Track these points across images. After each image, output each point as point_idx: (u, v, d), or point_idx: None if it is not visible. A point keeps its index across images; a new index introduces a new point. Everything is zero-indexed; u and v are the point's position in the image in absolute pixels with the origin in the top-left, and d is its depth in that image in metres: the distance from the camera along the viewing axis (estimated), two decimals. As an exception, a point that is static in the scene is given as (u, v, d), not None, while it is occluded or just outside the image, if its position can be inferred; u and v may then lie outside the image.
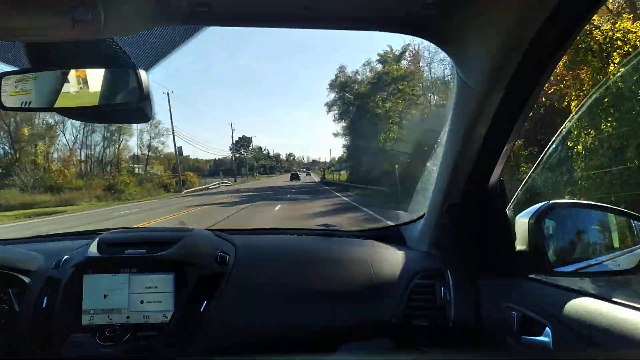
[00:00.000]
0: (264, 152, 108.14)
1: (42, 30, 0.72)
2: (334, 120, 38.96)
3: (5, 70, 0.89)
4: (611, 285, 1.11)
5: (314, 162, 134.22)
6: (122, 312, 1.22)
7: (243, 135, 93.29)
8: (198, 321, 1.20)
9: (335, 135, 42.97)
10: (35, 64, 0.87)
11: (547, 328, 0.95)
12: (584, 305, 0.91)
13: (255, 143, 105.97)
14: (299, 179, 59.48)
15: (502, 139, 1.03)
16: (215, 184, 44.51)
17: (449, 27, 0.88)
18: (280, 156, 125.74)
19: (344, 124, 38.52)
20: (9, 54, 0.93)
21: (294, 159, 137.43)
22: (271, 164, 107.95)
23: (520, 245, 1.12)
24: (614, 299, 0.89)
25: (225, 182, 50.04)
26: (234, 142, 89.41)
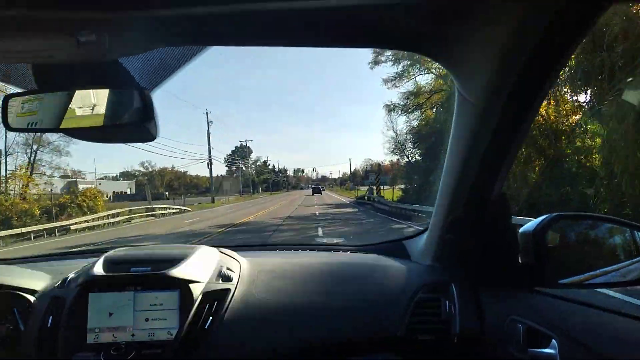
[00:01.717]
0: (269, 166, 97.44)
1: (48, 52, 0.74)
2: (387, 82, 20.84)
3: (12, 91, 0.91)
4: (617, 296, 1.10)
5: (324, 178, 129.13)
6: (127, 330, 1.22)
7: (240, 144, 79.89)
8: (203, 338, 1.20)
9: (390, 109, 22.08)
10: (41, 85, 0.88)
11: (553, 340, 0.94)
12: (590, 317, 0.90)
13: (257, 155, 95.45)
14: (321, 193, 53.86)
15: (503, 152, 1.04)
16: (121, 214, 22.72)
17: (447, 43, 0.89)
18: (288, 172, 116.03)
19: (411, 87, 20.52)
20: (15, 76, 0.94)
21: (302, 173, 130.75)
22: (275, 178, 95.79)
23: (524, 258, 1.12)
24: (620, 311, 0.89)
25: (173, 208, 28.35)
26: (230, 154, 77.99)
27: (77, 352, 1.18)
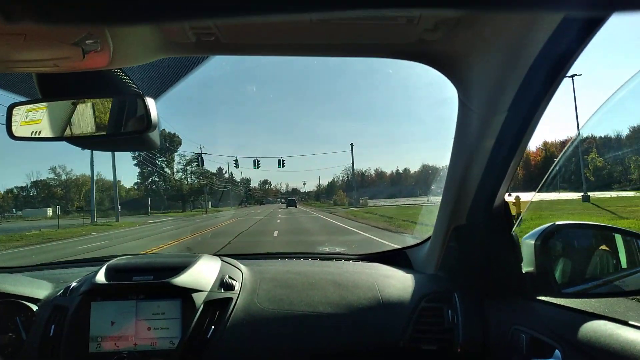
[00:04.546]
0: (225, 174, 70.96)
1: (53, 61, 0.74)
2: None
3: (16, 100, 0.91)
4: (620, 306, 1.09)
5: (294, 190, 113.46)
6: (130, 339, 1.21)
7: (164, 130, 48.57)
8: (205, 347, 1.19)
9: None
10: (46, 94, 0.89)
11: (556, 350, 0.94)
12: (593, 327, 0.90)
13: (192, 152, 66.05)
14: (295, 206, 45.66)
15: (505, 160, 1.04)
16: None
17: (449, 53, 0.89)
18: (251, 182, 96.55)
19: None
20: (19, 85, 0.95)
21: (269, 186, 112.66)
22: (214, 185, 61.14)
23: (526, 267, 1.11)
24: (623, 320, 0.88)
25: None
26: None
27: None
